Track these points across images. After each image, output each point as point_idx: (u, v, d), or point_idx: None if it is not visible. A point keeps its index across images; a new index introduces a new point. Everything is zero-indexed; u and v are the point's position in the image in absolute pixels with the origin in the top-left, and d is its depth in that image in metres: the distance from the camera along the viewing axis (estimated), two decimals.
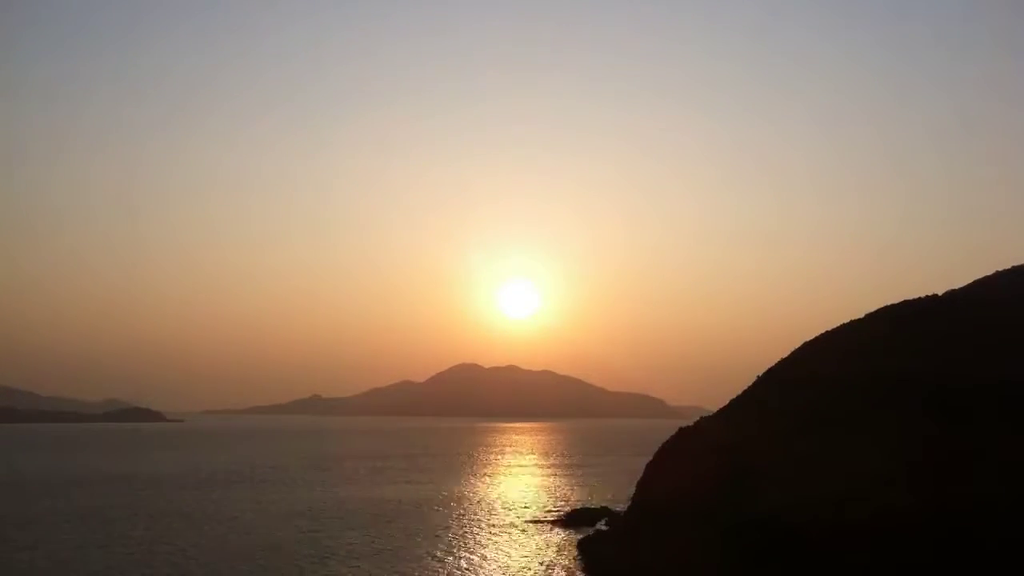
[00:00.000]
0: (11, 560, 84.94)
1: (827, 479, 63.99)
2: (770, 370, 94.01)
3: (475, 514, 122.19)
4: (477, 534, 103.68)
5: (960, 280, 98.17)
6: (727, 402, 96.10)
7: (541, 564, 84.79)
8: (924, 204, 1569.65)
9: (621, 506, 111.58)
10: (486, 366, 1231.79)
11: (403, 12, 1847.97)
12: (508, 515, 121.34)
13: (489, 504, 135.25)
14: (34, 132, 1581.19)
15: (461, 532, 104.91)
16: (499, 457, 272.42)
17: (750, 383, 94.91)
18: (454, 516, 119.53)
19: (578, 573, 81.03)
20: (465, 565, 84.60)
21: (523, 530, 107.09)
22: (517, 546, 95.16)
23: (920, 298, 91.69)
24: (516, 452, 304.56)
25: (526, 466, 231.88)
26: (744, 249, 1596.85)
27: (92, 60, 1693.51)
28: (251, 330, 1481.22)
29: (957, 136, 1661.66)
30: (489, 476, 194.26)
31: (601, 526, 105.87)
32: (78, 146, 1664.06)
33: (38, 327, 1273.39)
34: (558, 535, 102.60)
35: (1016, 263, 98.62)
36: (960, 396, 68.80)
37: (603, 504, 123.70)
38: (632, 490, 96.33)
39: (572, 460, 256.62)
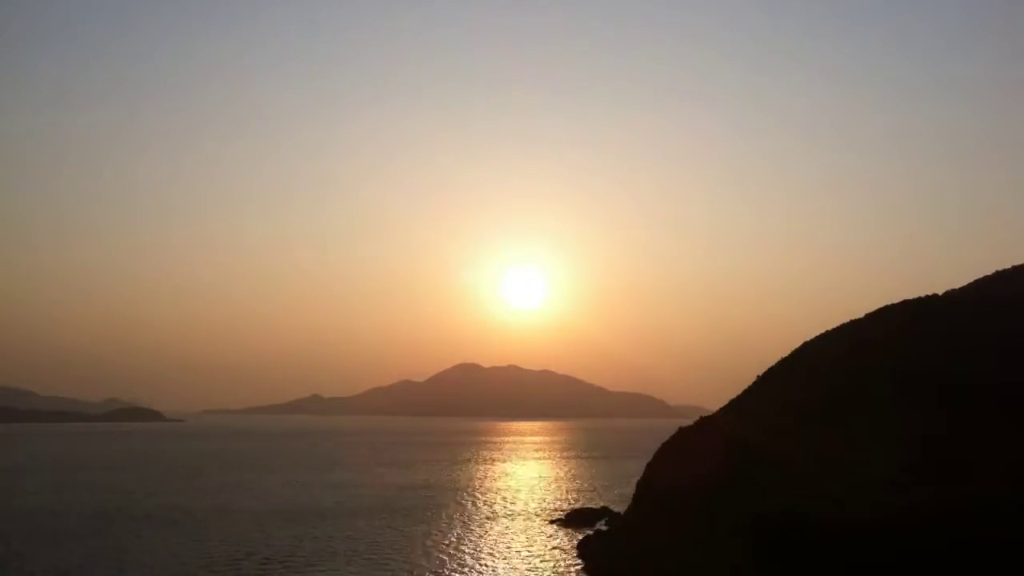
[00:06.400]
0: None
1: (828, 478, 63.99)
2: (770, 369, 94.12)
3: (475, 514, 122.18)
4: (477, 534, 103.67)
5: (960, 280, 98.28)
6: (727, 402, 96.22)
7: (541, 564, 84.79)
8: (924, 205, 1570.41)
9: (621, 506, 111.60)
10: (486, 366, 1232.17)
11: (402, 8, 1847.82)
12: (508, 515, 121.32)
13: (489, 504, 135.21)
14: (34, 136, 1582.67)
15: (461, 532, 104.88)
16: (499, 457, 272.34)
17: (751, 383, 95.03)
18: (453, 516, 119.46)
19: (578, 573, 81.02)
20: (465, 565, 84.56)
21: (523, 530, 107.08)
22: (517, 546, 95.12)
23: (920, 298, 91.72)
24: (516, 452, 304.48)
25: (526, 466, 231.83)
26: (746, 249, 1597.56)
27: (91, 66, 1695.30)
28: (251, 330, 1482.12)
29: (958, 137, 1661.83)
30: (488, 476, 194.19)
31: (601, 526, 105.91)
32: (77, 149, 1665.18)
33: (38, 327, 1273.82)
34: (558, 535, 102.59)
35: (1016, 263, 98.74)
36: (960, 395, 68.84)
37: (603, 504, 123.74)
38: (632, 490, 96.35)
39: (572, 460, 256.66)
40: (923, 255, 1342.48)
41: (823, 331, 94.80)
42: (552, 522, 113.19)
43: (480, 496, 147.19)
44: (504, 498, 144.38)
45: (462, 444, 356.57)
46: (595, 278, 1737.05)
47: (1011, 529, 52.42)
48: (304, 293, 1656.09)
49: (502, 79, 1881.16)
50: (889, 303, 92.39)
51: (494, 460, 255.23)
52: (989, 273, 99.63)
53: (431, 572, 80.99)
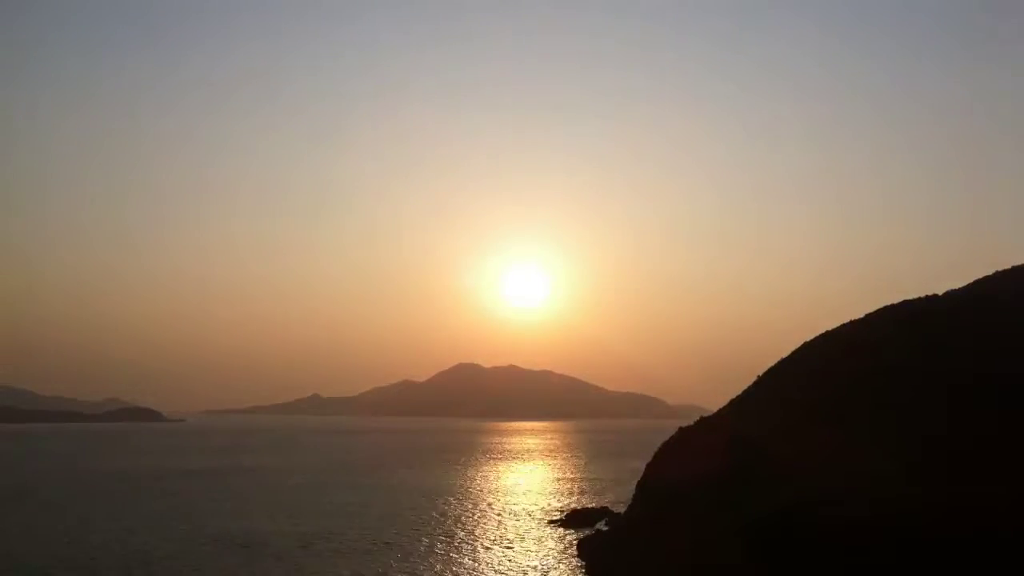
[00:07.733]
0: None
1: (828, 478, 63.96)
2: (771, 370, 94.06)
3: (475, 515, 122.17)
4: (477, 534, 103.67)
5: (960, 280, 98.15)
6: (727, 402, 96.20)
7: (541, 564, 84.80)
8: (924, 204, 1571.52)
9: (621, 506, 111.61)
10: (486, 366, 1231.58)
11: (404, 16, 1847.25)
12: (508, 515, 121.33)
13: (489, 504, 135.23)
14: (35, 135, 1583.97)
15: (461, 533, 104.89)
16: (498, 457, 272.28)
17: (751, 383, 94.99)
18: (454, 517, 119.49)
19: (578, 573, 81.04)
20: (465, 565, 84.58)
21: (523, 530, 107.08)
22: (517, 546, 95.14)
23: (920, 298, 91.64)
24: (516, 452, 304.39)
25: (526, 466, 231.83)
26: (747, 249, 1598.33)
27: (101, 70, 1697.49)
28: (251, 330, 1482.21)
29: (957, 137, 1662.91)
30: (488, 476, 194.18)
31: (601, 526, 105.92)
32: (77, 150, 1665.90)
33: (39, 327, 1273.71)
34: (558, 535, 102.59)
35: (1016, 263, 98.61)
36: (960, 395, 68.79)
37: (603, 504, 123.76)
38: (632, 490, 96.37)
39: (572, 460, 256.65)
40: (923, 255, 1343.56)
41: (823, 331, 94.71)
42: (552, 522, 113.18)
43: (480, 496, 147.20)
44: (504, 498, 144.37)
45: (461, 444, 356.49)
46: (596, 277, 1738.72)
47: (1011, 529, 52.41)
48: (304, 293, 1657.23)
49: (501, 81, 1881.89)
50: (889, 303, 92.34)
51: (494, 460, 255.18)
52: (989, 273, 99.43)
53: (431, 572, 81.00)
